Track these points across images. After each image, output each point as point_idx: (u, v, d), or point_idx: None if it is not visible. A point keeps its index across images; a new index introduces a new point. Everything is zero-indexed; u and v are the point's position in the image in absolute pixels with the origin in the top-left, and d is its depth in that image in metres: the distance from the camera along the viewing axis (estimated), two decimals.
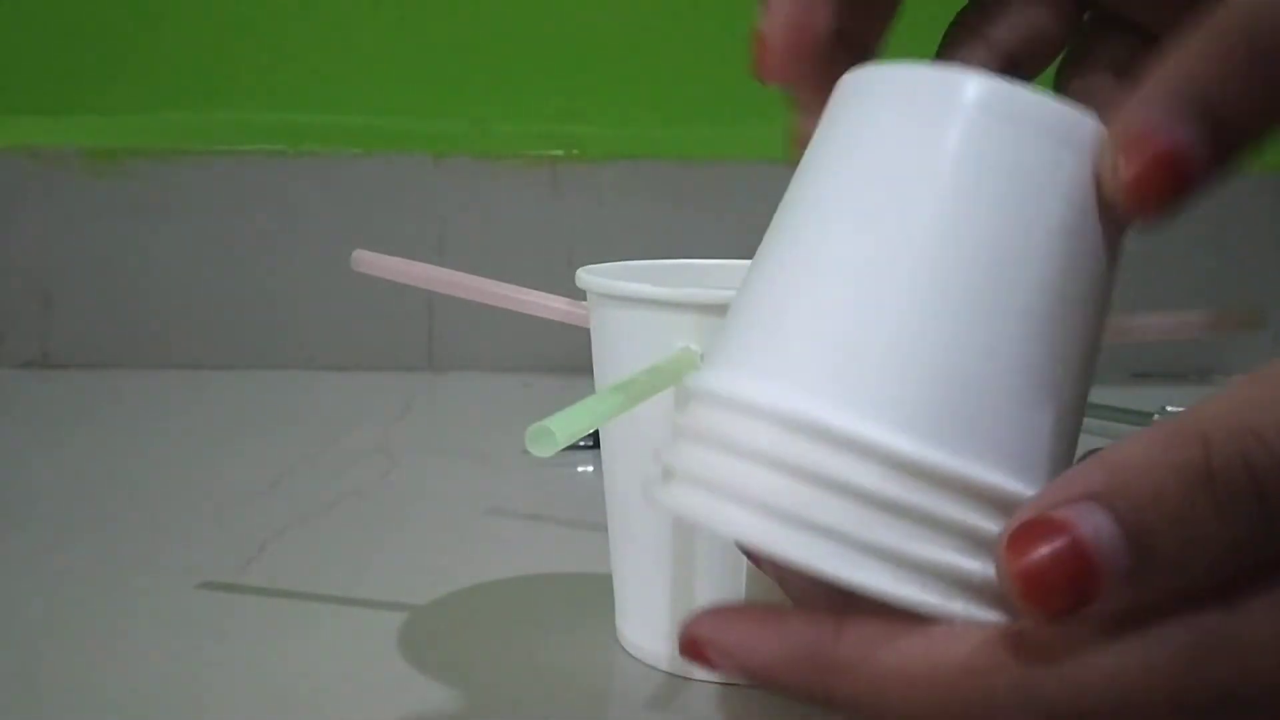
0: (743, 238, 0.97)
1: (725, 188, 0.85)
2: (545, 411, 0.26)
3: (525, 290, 0.42)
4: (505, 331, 0.83)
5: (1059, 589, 0.18)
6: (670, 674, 0.36)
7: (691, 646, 0.22)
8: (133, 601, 0.42)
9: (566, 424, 0.27)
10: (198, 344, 0.84)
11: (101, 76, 0.83)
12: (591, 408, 0.28)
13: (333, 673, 0.36)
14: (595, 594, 0.41)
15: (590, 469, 0.60)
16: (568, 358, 0.81)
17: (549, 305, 0.41)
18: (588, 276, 0.36)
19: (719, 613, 0.22)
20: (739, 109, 0.87)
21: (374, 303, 0.84)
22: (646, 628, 0.37)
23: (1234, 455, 0.18)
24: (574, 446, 0.57)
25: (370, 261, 0.42)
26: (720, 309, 0.33)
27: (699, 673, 0.36)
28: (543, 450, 0.26)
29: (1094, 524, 0.18)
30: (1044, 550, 0.18)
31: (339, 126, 0.84)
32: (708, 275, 0.42)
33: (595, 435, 0.36)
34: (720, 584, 0.35)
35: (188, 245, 0.83)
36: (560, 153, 0.85)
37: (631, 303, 0.34)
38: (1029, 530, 0.18)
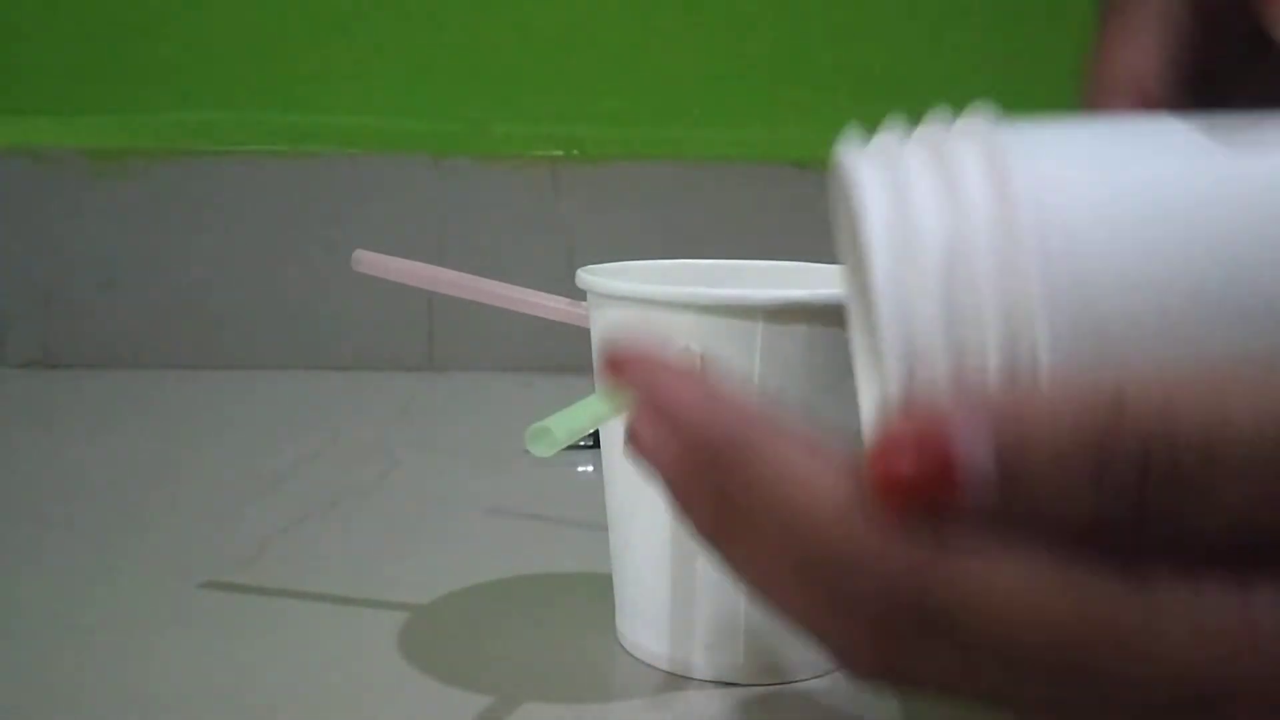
0: (743, 238, 0.98)
1: (725, 188, 0.85)
2: (545, 411, 0.26)
3: (525, 290, 0.42)
4: (505, 331, 0.83)
5: (910, 489, 0.17)
6: (670, 674, 0.36)
7: (612, 365, 0.20)
8: (133, 601, 0.42)
9: (566, 424, 0.27)
10: (198, 344, 0.84)
11: (103, 77, 0.83)
12: (591, 408, 0.28)
13: (333, 672, 0.36)
14: (595, 594, 0.41)
15: (590, 469, 0.60)
16: (568, 358, 0.82)
17: (549, 305, 0.41)
18: (588, 276, 0.36)
19: (654, 361, 0.20)
20: (739, 109, 0.87)
21: (374, 303, 0.84)
22: (647, 628, 0.37)
23: (1138, 436, 0.17)
24: (574, 446, 0.58)
25: (371, 261, 0.42)
26: (720, 309, 0.33)
27: (699, 672, 0.36)
28: (543, 450, 0.26)
29: (974, 441, 0.17)
30: (912, 448, 0.17)
31: (340, 127, 0.84)
32: (708, 275, 0.42)
33: (595, 435, 0.36)
34: (720, 584, 0.35)
35: (188, 245, 0.83)
36: (560, 153, 0.85)
37: (631, 302, 0.34)
38: (909, 418, 0.18)
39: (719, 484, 0.19)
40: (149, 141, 0.83)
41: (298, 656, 0.37)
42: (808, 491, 0.18)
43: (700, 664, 0.36)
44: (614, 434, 0.36)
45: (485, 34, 0.85)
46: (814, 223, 1.01)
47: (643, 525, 0.36)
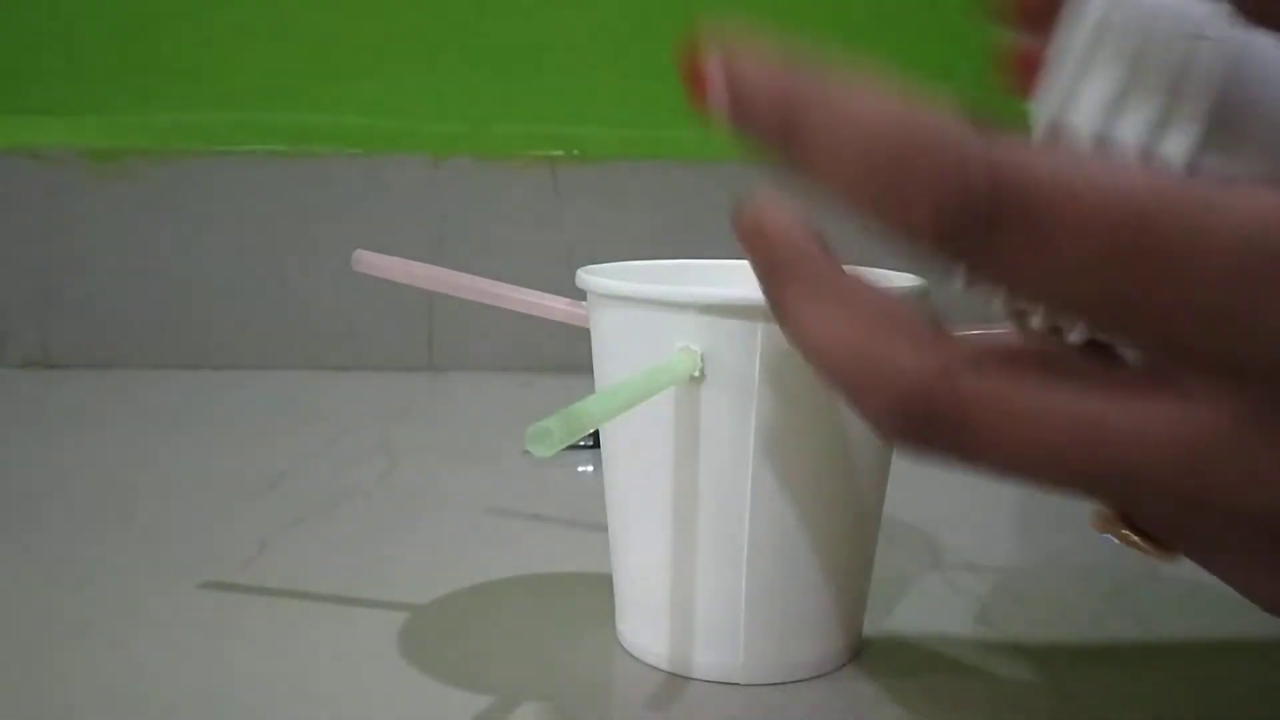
0: None
1: (725, 188, 0.85)
2: (545, 411, 0.26)
3: (525, 290, 0.42)
4: (505, 331, 0.83)
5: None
6: (670, 674, 0.36)
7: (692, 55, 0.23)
8: (133, 600, 0.42)
9: (566, 424, 0.27)
10: (199, 344, 0.84)
11: (102, 77, 0.83)
12: (591, 408, 0.28)
13: (333, 672, 0.36)
14: (595, 594, 0.41)
15: (590, 469, 0.60)
16: (568, 358, 0.82)
17: (549, 305, 0.41)
18: (587, 277, 0.36)
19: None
20: None
21: (374, 303, 0.84)
22: (646, 627, 0.37)
23: (979, 162, 0.19)
24: (574, 446, 0.58)
25: (371, 261, 0.42)
26: (720, 309, 0.33)
27: (699, 672, 0.36)
28: (543, 450, 0.26)
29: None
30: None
31: (340, 127, 0.84)
32: (708, 275, 0.42)
33: (595, 435, 0.36)
34: (720, 584, 0.35)
35: (189, 246, 0.83)
36: (560, 153, 0.85)
37: (631, 302, 0.34)
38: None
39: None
40: (149, 142, 0.83)
41: (297, 656, 0.37)
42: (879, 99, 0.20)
43: (700, 663, 0.36)
44: (614, 434, 0.36)
45: (485, 34, 0.85)
46: (813, 222, 1.01)
47: (642, 525, 0.36)
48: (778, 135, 0.21)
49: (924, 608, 0.43)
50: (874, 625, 0.41)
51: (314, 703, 0.34)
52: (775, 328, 0.33)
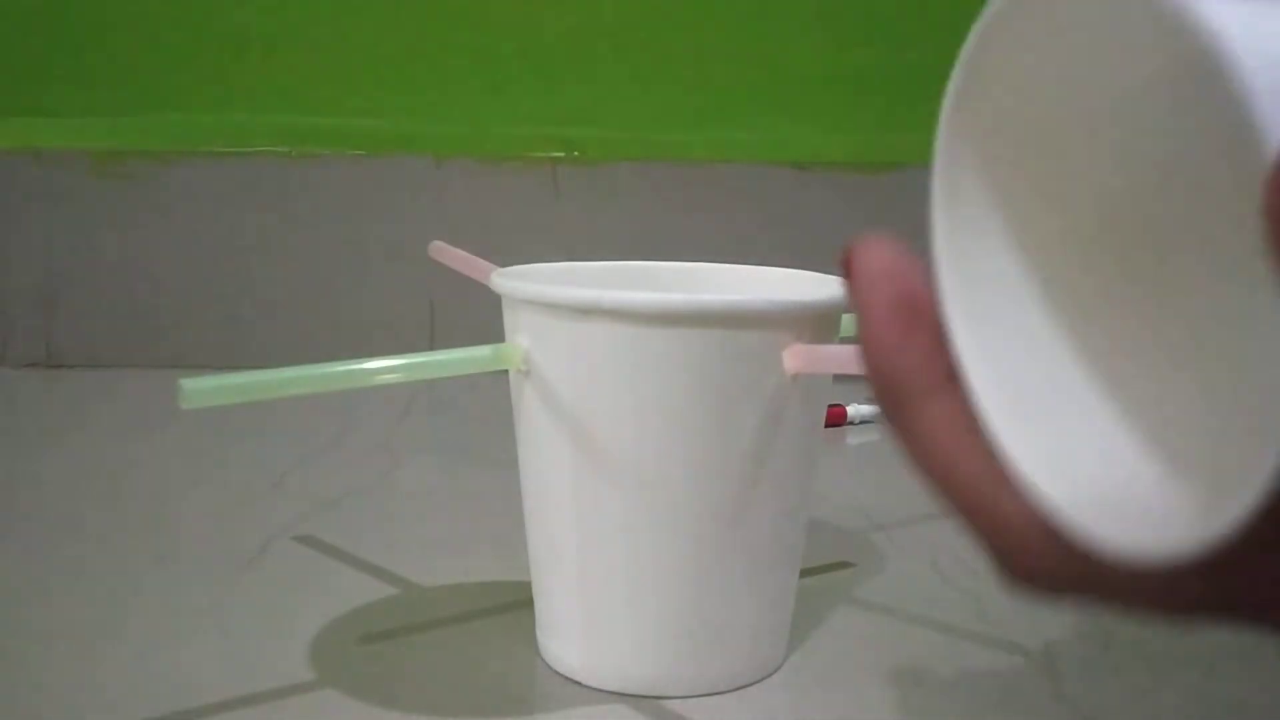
0: (741, 238, 0.98)
1: (725, 189, 0.86)
2: None
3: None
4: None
5: None
6: (592, 688, 0.36)
7: (851, 259, 0.20)
8: (134, 600, 0.42)
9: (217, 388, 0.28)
10: (200, 344, 0.84)
11: (105, 79, 0.83)
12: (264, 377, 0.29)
13: (333, 672, 0.36)
14: None
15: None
16: None
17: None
18: (495, 277, 0.36)
19: (889, 252, 0.20)
20: (738, 111, 0.87)
21: (375, 303, 0.84)
22: (562, 640, 0.37)
23: None
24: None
25: (440, 250, 0.43)
26: (541, 306, 0.33)
27: (620, 685, 0.35)
28: (183, 402, 0.28)
29: None
30: None
31: (342, 129, 0.84)
32: (676, 279, 0.42)
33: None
34: (635, 597, 0.35)
35: (191, 246, 0.84)
36: (560, 155, 0.85)
37: (504, 299, 0.35)
38: None
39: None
40: (152, 143, 0.83)
41: (297, 657, 0.38)
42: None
43: (619, 677, 0.35)
44: (531, 441, 0.36)
45: (486, 36, 0.85)
46: (813, 223, 1.02)
47: (550, 534, 0.36)
48: None
49: (921, 605, 0.43)
50: (869, 624, 0.41)
51: (313, 702, 0.35)
52: (591, 328, 0.32)
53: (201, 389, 0.28)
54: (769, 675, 0.37)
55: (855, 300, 0.20)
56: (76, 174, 0.83)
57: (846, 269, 0.20)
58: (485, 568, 0.45)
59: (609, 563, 0.34)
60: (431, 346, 0.85)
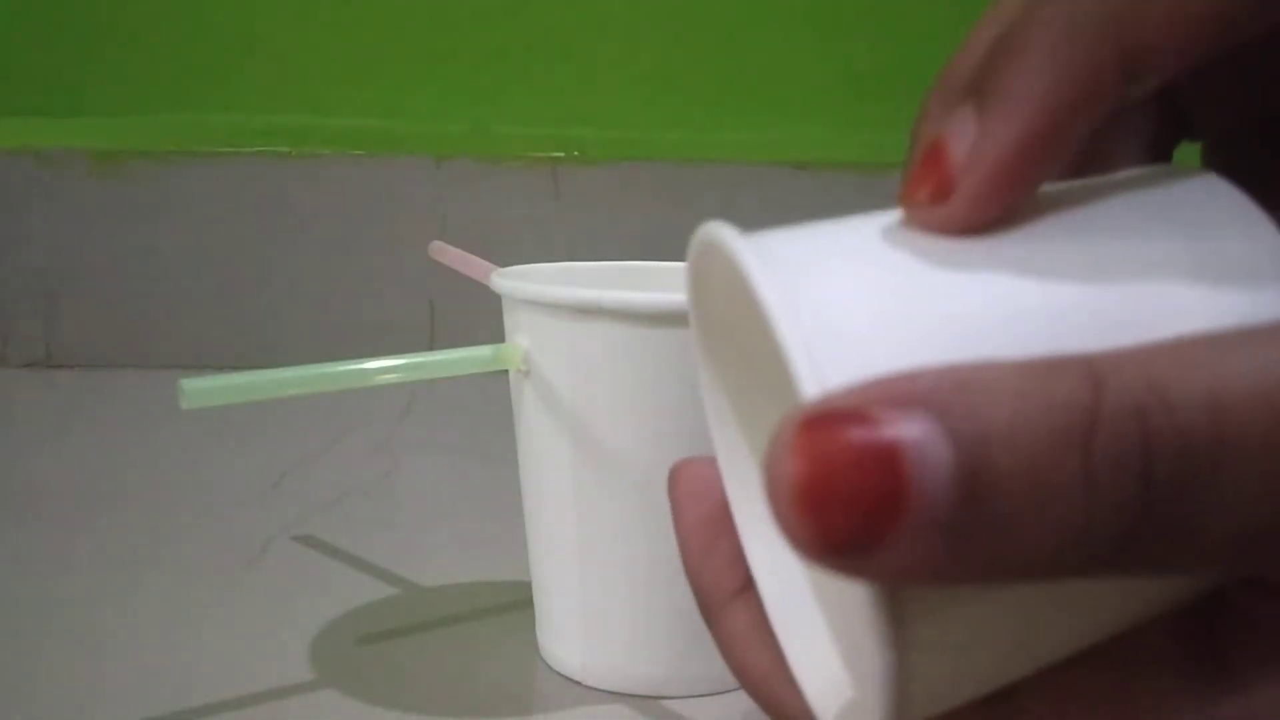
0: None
1: (725, 188, 0.85)
2: None
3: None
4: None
5: (848, 500, 0.12)
6: (591, 688, 0.36)
7: (670, 480, 0.21)
8: (134, 600, 0.42)
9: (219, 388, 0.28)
10: (200, 344, 0.84)
11: (105, 79, 0.83)
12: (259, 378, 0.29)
13: (333, 672, 0.36)
14: None
15: None
16: None
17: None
18: (496, 278, 0.36)
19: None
20: (739, 110, 0.87)
21: (375, 303, 0.84)
22: (562, 639, 0.37)
23: (1128, 413, 0.13)
24: None
25: (440, 250, 0.43)
26: (541, 305, 0.33)
27: (619, 686, 0.35)
28: (184, 402, 0.28)
29: (920, 435, 0.13)
30: (843, 443, 0.13)
31: (341, 129, 0.84)
32: (667, 280, 0.42)
33: None
34: (634, 596, 0.35)
35: (191, 246, 0.84)
36: (560, 154, 0.85)
37: (505, 299, 0.35)
38: (831, 416, 0.13)
39: None
40: (150, 142, 0.83)
41: (296, 657, 0.38)
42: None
43: (618, 677, 0.35)
44: (533, 443, 0.36)
45: (486, 35, 0.85)
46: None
47: (550, 534, 0.36)
48: None
49: None
50: None
51: (313, 701, 0.35)
52: (592, 328, 0.32)
53: (201, 389, 0.28)
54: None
55: (673, 519, 0.21)
56: (76, 174, 0.82)
57: (670, 491, 0.21)
58: (485, 568, 0.45)
59: (609, 562, 0.34)
60: (431, 346, 0.85)
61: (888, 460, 0.13)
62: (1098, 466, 0.13)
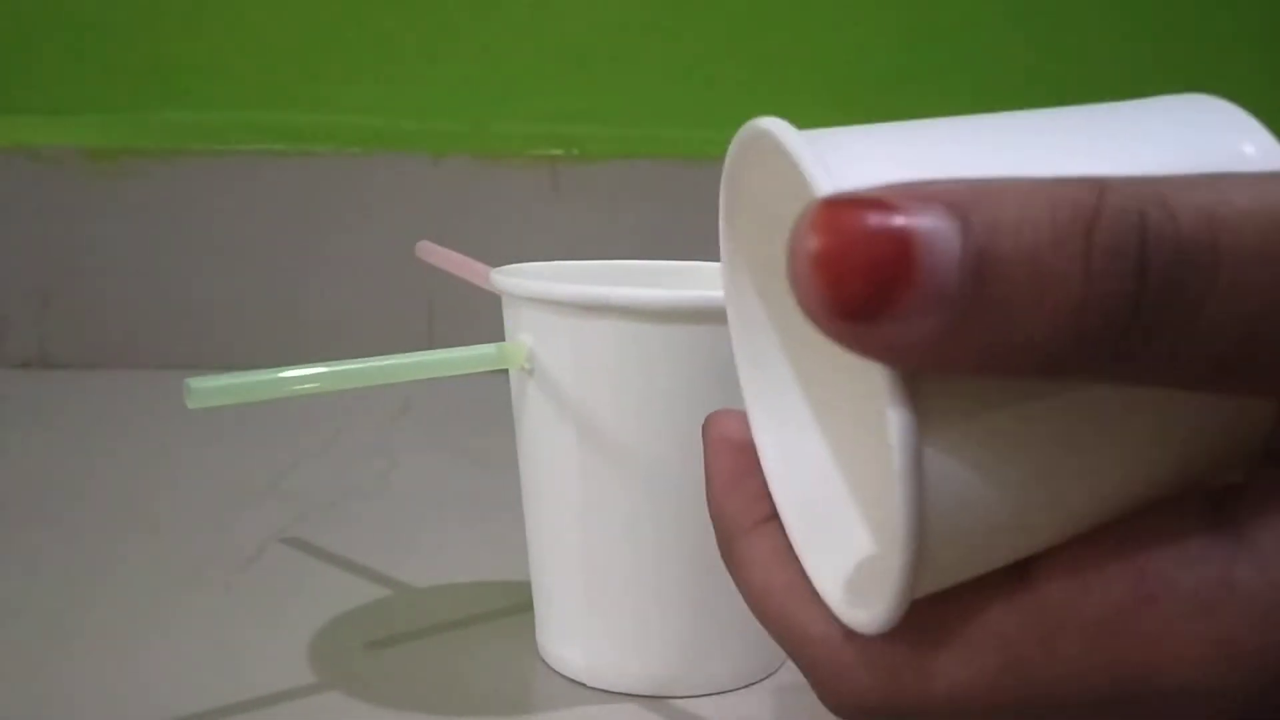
0: None
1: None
2: None
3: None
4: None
5: (862, 269, 0.14)
6: (593, 688, 0.36)
7: (705, 428, 0.22)
8: (132, 600, 0.41)
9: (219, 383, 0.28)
10: (196, 344, 0.84)
11: (100, 77, 0.83)
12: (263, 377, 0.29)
13: (331, 675, 0.36)
14: None
15: None
16: None
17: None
18: (493, 274, 0.36)
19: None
20: (739, 110, 0.87)
21: (374, 302, 0.84)
22: (564, 640, 0.36)
23: (1129, 211, 0.14)
24: None
25: (429, 250, 0.42)
26: (543, 303, 0.33)
27: (619, 685, 0.35)
28: (190, 402, 0.28)
29: (933, 222, 0.14)
30: (861, 222, 0.14)
31: (339, 126, 0.84)
32: (671, 278, 0.41)
33: None
34: (634, 596, 0.34)
35: (187, 245, 0.83)
36: (560, 152, 0.85)
37: (505, 296, 0.35)
38: (853, 202, 0.14)
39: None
40: (148, 141, 0.83)
41: (295, 657, 0.37)
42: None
43: (622, 677, 0.35)
44: (532, 440, 0.36)
45: (485, 34, 0.85)
46: None
47: (554, 534, 0.35)
48: None
49: None
50: None
51: (312, 701, 0.34)
52: (597, 325, 0.32)
53: (208, 388, 0.28)
54: (773, 673, 0.36)
55: (704, 458, 0.23)
56: (71, 172, 0.82)
57: (703, 436, 0.23)
58: (484, 569, 0.45)
59: (613, 561, 0.34)
60: (431, 346, 0.85)
61: (901, 240, 0.14)
62: (1096, 254, 0.14)
